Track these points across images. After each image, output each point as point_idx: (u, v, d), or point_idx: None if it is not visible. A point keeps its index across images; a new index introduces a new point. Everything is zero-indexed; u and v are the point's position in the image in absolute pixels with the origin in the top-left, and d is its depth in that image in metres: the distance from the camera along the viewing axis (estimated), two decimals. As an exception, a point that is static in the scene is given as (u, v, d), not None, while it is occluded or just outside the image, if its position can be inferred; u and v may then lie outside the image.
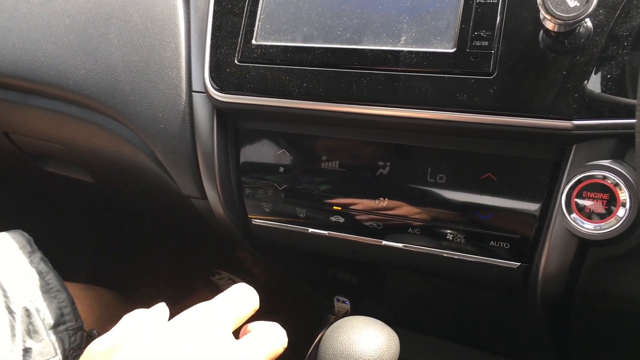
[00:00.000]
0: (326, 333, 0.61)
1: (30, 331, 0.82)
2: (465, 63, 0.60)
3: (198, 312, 0.53)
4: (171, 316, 0.57)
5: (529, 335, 0.89)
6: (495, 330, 0.95)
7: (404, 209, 0.68)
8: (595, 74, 0.55)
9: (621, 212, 0.55)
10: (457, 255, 0.66)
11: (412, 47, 0.62)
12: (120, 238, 1.62)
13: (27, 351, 0.80)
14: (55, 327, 0.86)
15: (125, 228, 1.61)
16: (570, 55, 0.56)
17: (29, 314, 0.82)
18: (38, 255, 0.91)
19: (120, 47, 0.80)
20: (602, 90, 0.55)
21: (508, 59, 0.58)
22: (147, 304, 1.18)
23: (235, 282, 1.72)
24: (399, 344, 0.60)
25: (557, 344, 0.81)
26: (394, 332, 0.61)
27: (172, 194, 0.86)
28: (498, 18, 0.59)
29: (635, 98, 0.54)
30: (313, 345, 0.86)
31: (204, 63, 0.73)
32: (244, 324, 0.54)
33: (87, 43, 0.83)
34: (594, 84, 0.56)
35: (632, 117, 0.54)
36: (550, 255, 0.60)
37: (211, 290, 1.48)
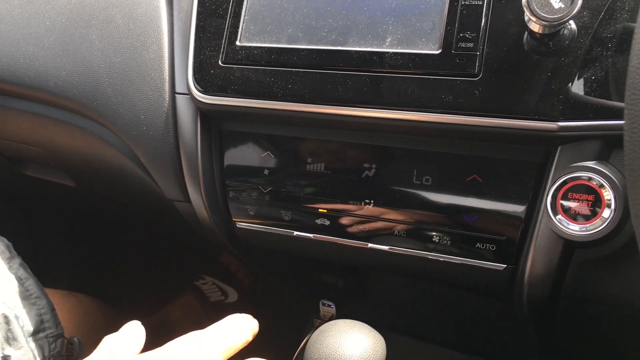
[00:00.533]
0: (312, 337, 0.61)
1: (9, 338, 0.80)
2: (451, 64, 0.59)
3: (189, 341, 0.52)
4: (154, 334, 0.56)
5: (515, 338, 0.89)
6: (482, 333, 0.95)
7: (390, 212, 0.67)
8: (580, 75, 0.56)
9: (606, 213, 0.55)
10: (443, 257, 0.66)
11: (397, 48, 0.62)
12: (102, 243, 1.60)
13: (5, 359, 0.78)
14: (34, 334, 0.84)
15: (107, 233, 1.59)
16: (554, 57, 0.56)
17: (8, 321, 0.80)
18: (17, 261, 0.89)
19: (101, 49, 0.79)
20: (587, 92, 0.56)
21: (493, 61, 0.58)
22: (129, 311, 1.17)
23: (219, 287, 1.69)
24: (385, 347, 0.60)
25: (544, 346, 0.81)
26: (380, 335, 0.61)
27: (155, 198, 0.85)
28: (483, 20, 0.59)
29: (620, 100, 0.54)
30: (299, 349, 0.85)
31: (187, 64, 0.72)
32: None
33: (68, 44, 0.82)
34: (578, 85, 0.56)
35: (617, 118, 0.55)
36: (536, 257, 0.60)
37: (195, 295, 1.46)
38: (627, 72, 0.36)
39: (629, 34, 0.54)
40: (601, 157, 0.56)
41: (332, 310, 0.97)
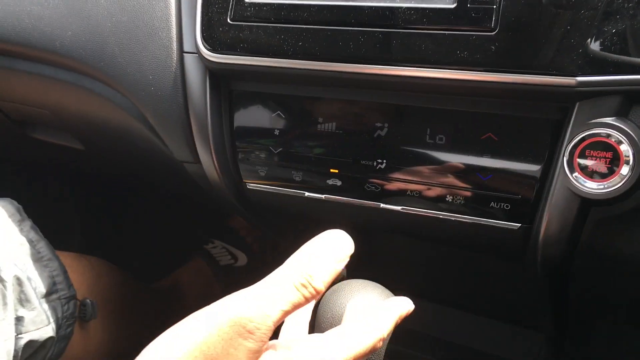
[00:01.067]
0: (324, 297, 0.61)
1: (22, 300, 0.81)
2: (466, 19, 0.58)
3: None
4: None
5: (527, 300, 0.89)
6: (494, 295, 0.95)
7: (403, 171, 0.66)
8: (600, 29, 0.54)
9: (625, 170, 0.54)
10: (456, 217, 0.65)
11: (411, 3, 0.60)
12: (112, 207, 1.60)
13: (19, 320, 0.79)
14: (47, 295, 0.85)
15: (117, 197, 1.59)
16: (574, 10, 0.54)
17: (21, 283, 0.81)
18: (28, 223, 0.89)
19: (107, 7, 0.77)
20: (607, 46, 0.54)
21: (510, 15, 0.56)
22: (139, 274, 1.17)
23: (228, 251, 1.70)
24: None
25: (556, 307, 0.81)
26: (392, 295, 0.61)
27: (164, 160, 0.84)
28: (500, -29, 0.56)
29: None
30: (311, 309, 0.85)
31: (195, 23, 0.70)
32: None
33: (73, 3, 0.80)
34: (598, 39, 0.54)
35: (637, 73, 0.53)
36: (551, 216, 0.60)
37: (205, 259, 1.47)
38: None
39: (653, -16, 0.52)
40: (620, 114, 0.55)
41: (343, 271, 0.97)
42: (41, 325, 0.81)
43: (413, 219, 0.68)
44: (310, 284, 0.45)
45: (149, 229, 1.56)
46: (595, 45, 0.54)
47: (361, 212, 0.71)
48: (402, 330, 0.54)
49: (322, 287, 0.46)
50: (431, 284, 1.02)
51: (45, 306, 0.83)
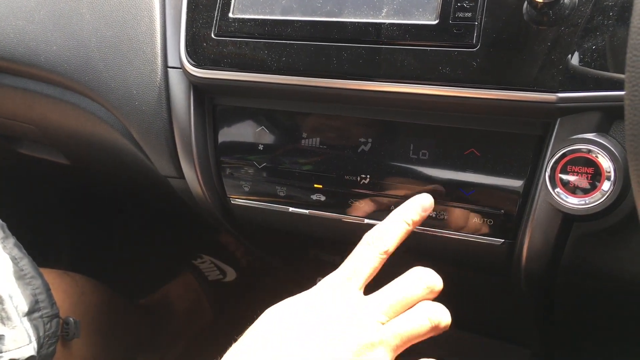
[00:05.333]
0: None
1: (3, 318, 0.79)
2: (448, 35, 0.58)
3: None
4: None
5: (514, 316, 0.88)
6: (480, 311, 0.95)
7: (386, 187, 0.66)
8: (580, 45, 0.54)
9: (606, 185, 0.54)
10: (440, 232, 0.65)
11: (393, 19, 0.60)
12: (100, 223, 1.59)
13: None
14: (29, 314, 0.83)
15: (105, 212, 1.58)
16: (554, 27, 0.55)
17: (1, 301, 0.79)
18: (11, 240, 0.88)
19: (92, 22, 0.77)
20: (587, 62, 0.54)
21: (491, 31, 0.57)
22: (126, 290, 1.16)
23: (217, 266, 1.69)
24: None
25: (542, 323, 0.81)
26: None
27: (149, 175, 0.84)
28: (481, -11, 0.57)
29: (621, 70, 0.53)
30: None
31: (179, 38, 0.70)
32: None
33: (58, 18, 0.80)
34: (578, 55, 0.54)
35: (617, 89, 0.53)
36: (534, 231, 0.60)
37: (193, 274, 1.46)
38: (628, 34, 0.35)
39: (630, 0, 0.52)
40: (601, 129, 0.55)
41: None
42: (22, 344, 0.79)
43: (397, 235, 0.67)
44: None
45: (137, 244, 1.54)
46: (575, 62, 0.54)
47: (345, 227, 0.70)
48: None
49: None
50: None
51: (27, 325, 0.82)
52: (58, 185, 1.47)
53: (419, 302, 0.53)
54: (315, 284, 1.01)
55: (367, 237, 0.56)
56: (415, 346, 0.53)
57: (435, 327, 0.52)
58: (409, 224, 0.57)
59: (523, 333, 0.93)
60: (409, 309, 0.53)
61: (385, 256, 0.55)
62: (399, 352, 0.51)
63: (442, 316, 0.53)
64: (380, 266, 0.55)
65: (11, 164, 1.26)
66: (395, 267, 0.91)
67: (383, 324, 0.51)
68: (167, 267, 1.47)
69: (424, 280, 0.54)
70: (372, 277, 0.55)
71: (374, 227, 0.56)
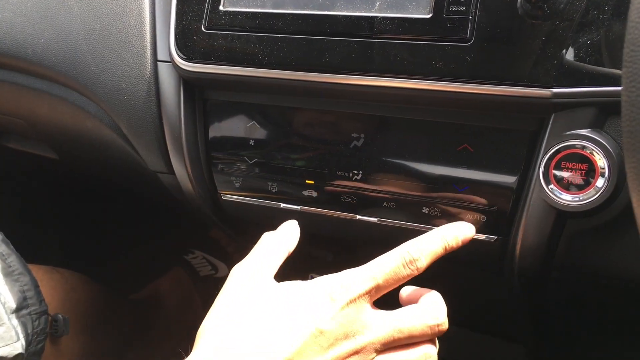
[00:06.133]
0: None
1: (-10, 314, 0.78)
2: (442, 29, 0.57)
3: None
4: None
5: (507, 312, 0.88)
6: (473, 307, 0.94)
7: (379, 182, 0.66)
8: (575, 40, 0.54)
9: (600, 182, 0.53)
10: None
11: (386, 12, 0.59)
12: (90, 218, 1.58)
13: (-13, 335, 0.77)
14: (17, 311, 0.82)
15: (95, 208, 1.57)
16: (549, 21, 0.54)
17: (-11, 297, 0.78)
18: (-1, 237, 0.87)
19: (80, 15, 0.76)
20: (582, 58, 0.54)
21: (486, 25, 0.56)
22: (117, 286, 1.15)
23: (209, 262, 1.68)
24: None
25: (535, 319, 0.80)
26: None
27: (139, 170, 0.82)
28: (475, -18, 0.56)
29: (616, 65, 0.53)
30: None
31: (169, 31, 0.69)
32: None
33: (46, 11, 0.79)
34: (573, 51, 0.54)
35: (613, 84, 0.53)
36: (527, 228, 0.59)
37: (185, 269, 1.45)
38: (626, 28, 0.34)
39: (626, -5, 0.52)
40: (595, 125, 0.55)
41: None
42: (10, 341, 0.78)
43: (390, 231, 0.67)
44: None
45: (127, 239, 1.53)
46: (570, 57, 0.54)
47: (338, 223, 0.70)
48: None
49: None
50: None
51: (15, 322, 0.81)
52: (46, 180, 1.45)
53: (421, 344, 0.52)
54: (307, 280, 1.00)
55: (405, 253, 0.52)
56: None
57: None
58: (446, 248, 0.54)
59: (517, 330, 0.92)
60: (409, 345, 0.51)
61: (414, 275, 0.52)
62: None
63: (434, 352, 0.52)
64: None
65: (-1, 159, 1.24)
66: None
67: (380, 353, 0.50)
68: (158, 263, 1.46)
69: (437, 323, 0.51)
70: None
71: (414, 242, 0.53)
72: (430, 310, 0.52)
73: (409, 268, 0.52)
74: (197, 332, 0.51)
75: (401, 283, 0.52)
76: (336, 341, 0.48)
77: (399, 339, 0.50)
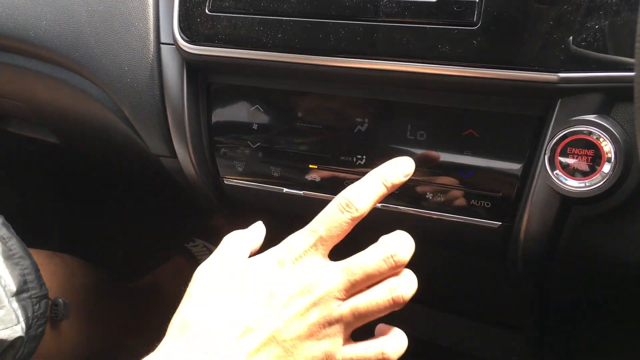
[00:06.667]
0: None
1: (-9, 297, 0.78)
2: (448, 13, 0.57)
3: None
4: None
5: (508, 300, 0.88)
6: (475, 295, 0.94)
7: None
8: (583, 25, 0.53)
9: (606, 167, 0.53)
10: (436, 215, 0.64)
11: (392, -5, 0.59)
12: (91, 204, 1.57)
13: (-13, 318, 0.77)
14: (17, 294, 0.82)
15: (96, 194, 1.56)
16: (556, 5, 0.54)
17: (-11, 280, 0.78)
18: (-1, 220, 0.87)
19: (83, -4, 0.75)
20: (589, 42, 0.53)
21: (492, 9, 0.55)
22: (117, 272, 1.15)
23: (209, 250, 1.69)
24: None
25: (537, 307, 0.80)
26: None
27: (141, 154, 0.82)
28: (483, -35, 0.55)
29: (623, 50, 0.52)
30: None
31: (172, 13, 0.68)
32: None
33: (48, -8, 0.78)
34: (580, 35, 0.53)
35: (620, 70, 0.52)
36: (531, 214, 0.59)
37: (185, 257, 1.45)
38: (638, 14, 0.34)
39: (637, -21, 0.51)
40: (602, 111, 0.54)
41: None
42: (10, 324, 0.78)
43: (393, 217, 0.67)
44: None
45: (128, 226, 1.53)
46: (578, 41, 0.53)
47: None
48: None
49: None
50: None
51: (15, 305, 0.81)
52: (48, 165, 1.45)
53: (383, 280, 0.51)
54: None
55: (340, 198, 0.52)
56: (403, 331, 0.52)
57: (396, 304, 0.50)
58: (387, 187, 0.54)
59: (517, 318, 0.92)
60: (372, 285, 0.50)
61: (357, 220, 0.52)
62: (354, 328, 0.50)
63: (404, 292, 0.50)
64: (350, 230, 0.52)
65: None
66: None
67: (343, 300, 0.49)
68: (159, 250, 1.46)
69: (390, 254, 0.50)
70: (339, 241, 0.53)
71: (349, 187, 0.53)
72: (382, 244, 0.51)
73: (347, 212, 0.51)
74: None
75: (345, 229, 0.52)
76: (290, 299, 0.49)
77: (356, 282, 0.49)
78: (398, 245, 0.51)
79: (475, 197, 0.62)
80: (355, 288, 0.49)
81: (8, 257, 0.83)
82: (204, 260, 1.42)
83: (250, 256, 0.56)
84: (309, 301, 0.49)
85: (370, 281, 0.50)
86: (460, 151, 0.61)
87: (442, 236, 0.67)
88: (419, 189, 0.64)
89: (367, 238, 0.87)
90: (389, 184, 0.54)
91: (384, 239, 0.52)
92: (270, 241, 0.57)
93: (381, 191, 0.53)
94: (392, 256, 0.50)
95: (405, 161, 0.56)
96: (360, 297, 0.49)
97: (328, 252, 0.52)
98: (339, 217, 0.51)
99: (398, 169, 0.55)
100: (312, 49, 0.62)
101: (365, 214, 0.52)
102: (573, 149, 0.54)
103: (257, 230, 0.60)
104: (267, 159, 0.71)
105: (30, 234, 0.92)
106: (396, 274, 0.51)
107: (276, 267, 0.51)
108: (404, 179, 0.55)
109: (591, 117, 0.54)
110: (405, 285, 0.50)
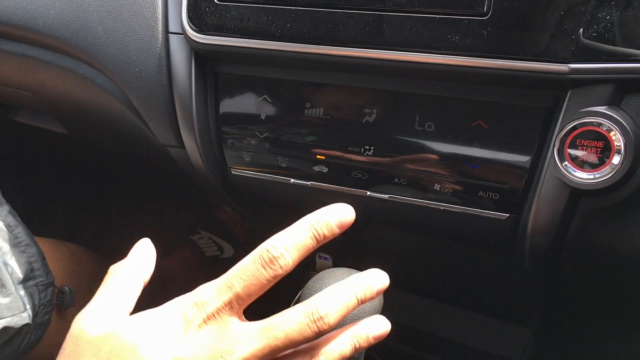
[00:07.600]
0: (307, 284, 0.59)
1: (-2, 285, 0.78)
2: (458, 3, 0.56)
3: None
4: (148, 287, 0.52)
5: (515, 294, 0.88)
6: (481, 289, 0.94)
7: (390, 159, 0.65)
8: (594, 16, 0.53)
9: (616, 159, 0.52)
10: (444, 206, 0.64)
11: (402, -15, 0.58)
12: (97, 195, 1.58)
13: (-6, 305, 0.77)
14: (24, 281, 0.82)
15: (103, 184, 1.57)
16: (567, -4, 0.53)
17: (-3, 267, 0.78)
18: (6, 208, 0.87)
19: (92, -15, 0.75)
20: (600, 33, 0.53)
21: (503, -1, 0.55)
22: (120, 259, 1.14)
23: (215, 242, 1.68)
24: (382, 297, 0.58)
25: (544, 302, 0.80)
26: None
27: (148, 144, 0.82)
28: (493, -46, 0.55)
29: (635, 42, 0.52)
30: (294, 300, 0.84)
31: (181, 2, 0.68)
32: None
33: (56, -19, 0.78)
34: (591, 26, 0.53)
35: (631, 61, 0.52)
36: (540, 206, 0.58)
37: (191, 249, 1.45)
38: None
39: (650, -31, 0.51)
40: (612, 103, 0.54)
41: (329, 262, 0.95)
42: (17, 311, 0.79)
43: (400, 208, 0.67)
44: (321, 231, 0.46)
45: (134, 217, 1.53)
46: (588, 32, 0.53)
47: (348, 200, 0.69)
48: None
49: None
50: (419, 278, 1.01)
51: (22, 292, 0.81)
52: (55, 154, 1.45)
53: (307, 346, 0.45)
54: (315, 263, 1.00)
55: (263, 251, 0.44)
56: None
57: None
58: (317, 239, 0.46)
59: (524, 312, 0.92)
60: (295, 353, 0.45)
61: (281, 277, 0.45)
62: None
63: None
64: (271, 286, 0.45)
65: (7, 133, 1.24)
66: (400, 244, 0.90)
67: None
68: (165, 242, 1.46)
69: (318, 316, 0.44)
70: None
71: (273, 238, 0.45)
72: (307, 305, 0.44)
73: (270, 268, 0.44)
74: None
75: (266, 287, 0.44)
76: None
77: (278, 347, 0.43)
78: (322, 303, 0.44)
79: (483, 188, 0.62)
80: (278, 352, 0.43)
81: (15, 245, 0.84)
82: (209, 252, 1.42)
83: (144, 287, 0.50)
84: None
85: (294, 345, 0.44)
86: (468, 142, 0.61)
87: (449, 228, 0.67)
88: (426, 180, 0.64)
89: (374, 230, 0.87)
90: (321, 236, 0.46)
91: (310, 298, 0.45)
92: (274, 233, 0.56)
93: (310, 244, 0.45)
94: (316, 321, 0.43)
95: (341, 208, 0.47)
96: None
97: (242, 310, 0.45)
98: (260, 274, 0.44)
99: (333, 218, 0.46)
100: (321, 38, 0.62)
101: (289, 271, 0.45)
102: (582, 140, 0.54)
103: (146, 258, 0.53)
104: (275, 149, 0.70)
105: (37, 223, 0.93)
106: (327, 340, 0.45)
107: (181, 326, 0.44)
108: (340, 231, 0.47)
109: (601, 109, 0.53)
110: (334, 354, 0.45)
